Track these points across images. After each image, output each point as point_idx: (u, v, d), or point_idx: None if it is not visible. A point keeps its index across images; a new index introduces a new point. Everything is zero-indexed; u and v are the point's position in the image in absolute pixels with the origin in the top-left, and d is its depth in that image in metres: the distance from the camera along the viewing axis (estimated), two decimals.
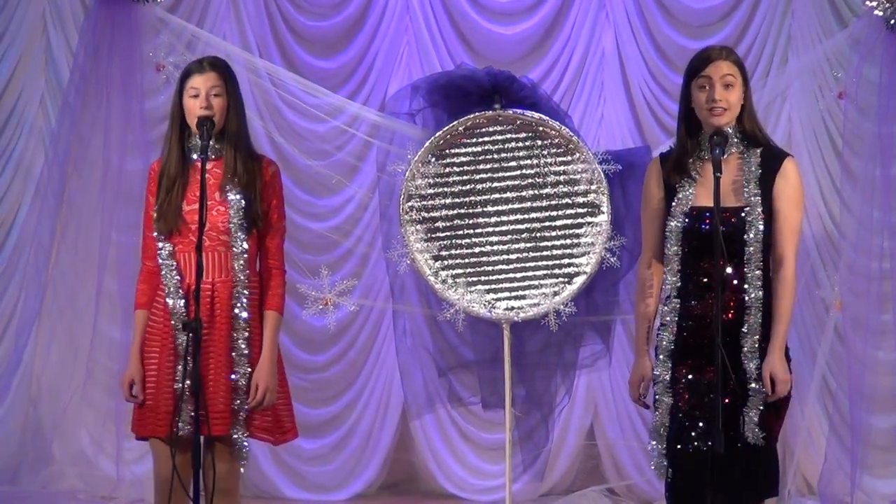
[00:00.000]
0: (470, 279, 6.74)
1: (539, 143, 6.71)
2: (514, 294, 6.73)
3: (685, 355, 4.78)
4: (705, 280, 4.75)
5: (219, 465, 4.96)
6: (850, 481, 7.09)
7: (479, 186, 6.73)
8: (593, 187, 6.69)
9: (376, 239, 7.45)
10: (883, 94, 7.08)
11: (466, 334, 6.93)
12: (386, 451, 7.92)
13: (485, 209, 6.73)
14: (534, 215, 6.70)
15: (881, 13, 6.99)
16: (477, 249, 6.73)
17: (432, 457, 7.92)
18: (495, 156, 6.73)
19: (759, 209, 4.72)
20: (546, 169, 6.70)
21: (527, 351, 6.89)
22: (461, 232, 6.73)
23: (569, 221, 6.70)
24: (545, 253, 6.71)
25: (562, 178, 6.71)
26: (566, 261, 6.71)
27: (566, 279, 6.69)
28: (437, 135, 6.70)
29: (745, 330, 4.73)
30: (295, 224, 7.78)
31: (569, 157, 6.70)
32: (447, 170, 6.71)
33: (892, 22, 6.99)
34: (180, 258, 5.00)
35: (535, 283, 6.72)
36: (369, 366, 7.90)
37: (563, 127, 6.70)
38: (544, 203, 6.70)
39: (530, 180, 6.70)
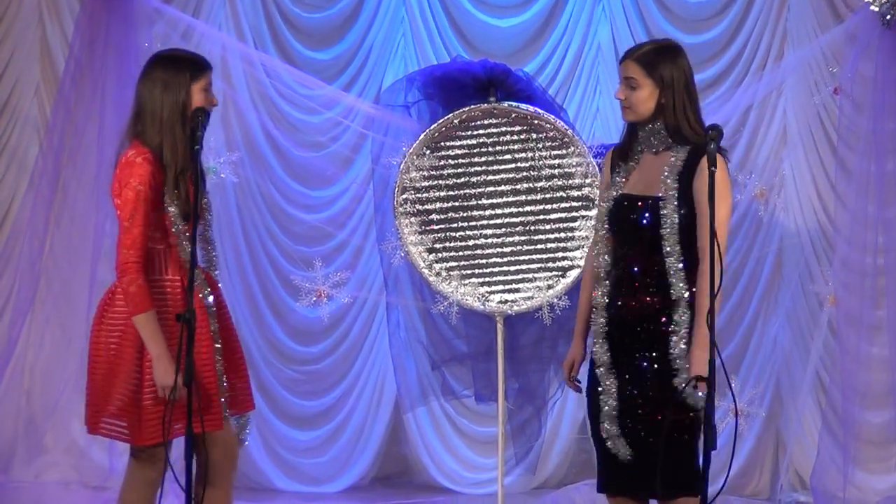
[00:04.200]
0: (464, 272, 6.74)
1: (534, 136, 6.71)
2: (508, 287, 6.74)
3: (620, 338, 4.82)
4: (636, 269, 4.79)
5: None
6: (843, 476, 7.10)
7: (473, 179, 6.73)
8: (588, 181, 6.69)
9: (370, 231, 7.45)
10: (878, 90, 7.08)
11: (460, 327, 6.94)
12: (379, 443, 7.93)
13: (479, 202, 6.73)
14: (528, 209, 6.71)
15: (877, 9, 7.00)
16: (471, 242, 6.73)
17: (425, 449, 7.92)
18: (490, 149, 6.73)
19: (675, 202, 4.72)
20: (541, 162, 6.71)
21: (520, 344, 6.89)
22: (455, 225, 6.73)
23: (563, 215, 6.71)
24: (539, 246, 6.71)
25: (557, 171, 6.71)
26: (560, 254, 6.71)
27: (560, 273, 6.69)
28: (432, 127, 6.70)
29: (673, 326, 4.73)
30: (289, 215, 7.78)
31: (564, 151, 6.70)
32: (442, 162, 6.71)
33: (888, 17, 6.99)
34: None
35: (529, 276, 6.72)
36: (362, 358, 7.90)
37: (559, 120, 6.70)
38: (539, 196, 6.70)
39: (525, 173, 6.71)
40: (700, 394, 4.60)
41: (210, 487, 5.03)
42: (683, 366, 4.71)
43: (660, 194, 4.79)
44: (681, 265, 4.73)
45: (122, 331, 4.95)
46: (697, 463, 4.74)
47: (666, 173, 4.79)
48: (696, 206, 4.75)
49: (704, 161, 4.66)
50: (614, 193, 4.90)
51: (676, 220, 4.74)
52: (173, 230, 4.95)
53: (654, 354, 4.77)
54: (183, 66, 5.00)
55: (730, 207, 4.85)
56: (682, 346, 4.71)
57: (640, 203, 4.82)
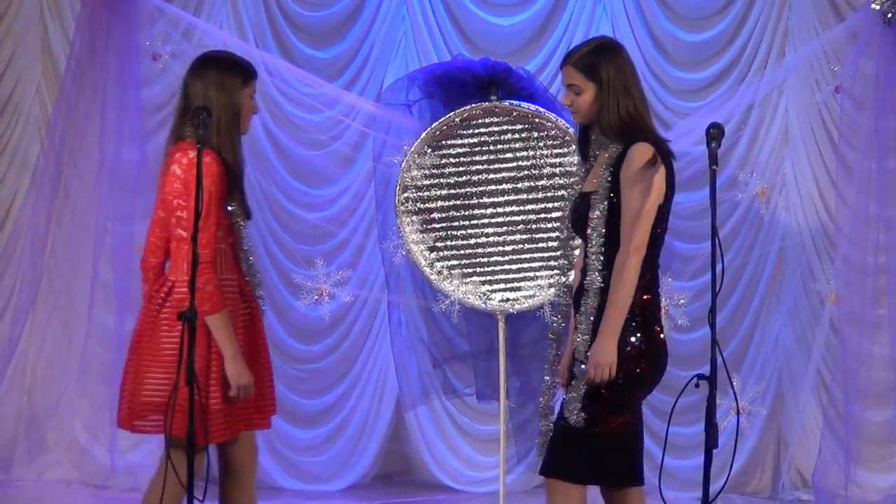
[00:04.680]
0: (465, 270, 6.74)
1: (535, 134, 6.71)
2: (509, 286, 6.74)
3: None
4: (586, 261, 4.80)
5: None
6: (844, 475, 7.10)
7: (475, 178, 6.73)
8: None
9: (372, 229, 7.45)
10: (879, 88, 7.08)
11: (461, 326, 6.94)
12: (380, 441, 7.93)
13: (481, 200, 6.73)
14: (530, 207, 6.71)
15: (878, 7, 6.99)
16: (472, 241, 6.73)
17: (426, 448, 7.92)
18: (491, 147, 6.73)
19: (604, 193, 4.70)
20: (542, 160, 6.71)
21: (522, 343, 6.89)
22: (457, 223, 6.73)
23: (565, 213, 6.70)
24: (541, 245, 6.71)
25: (558, 169, 6.71)
26: (561, 252, 6.71)
27: (561, 271, 6.69)
28: (434, 126, 6.70)
29: (581, 311, 4.74)
30: (290, 214, 7.78)
31: (565, 149, 6.70)
32: (443, 161, 6.71)
33: (889, 16, 6.99)
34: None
35: (531, 274, 6.72)
36: (364, 356, 7.90)
37: (560, 119, 6.69)
38: (540, 195, 6.70)
39: (526, 172, 6.71)
40: (583, 367, 4.63)
41: (235, 480, 5.10)
42: (582, 354, 4.70)
43: (593, 189, 4.79)
44: (601, 255, 4.71)
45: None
46: (580, 451, 4.72)
47: (603, 168, 4.77)
48: (621, 196, 4.71)
49: (630, 152, 4.66)
50: (575, 194, 4.93)
51: (604, 211, 4.71)
52: (234, 228, 5.05)
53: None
54: (236, 69, 5.05)
55: (653, 196, 4.68)
56: (585, 337, 4.69)
57: (585, 199, 4.82)
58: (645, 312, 4.72)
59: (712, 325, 4.46)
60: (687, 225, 7.41)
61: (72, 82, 7.34)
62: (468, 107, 6.70)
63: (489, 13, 7.85)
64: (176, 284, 4.96)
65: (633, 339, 4.69)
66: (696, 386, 4.80)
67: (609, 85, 4.76)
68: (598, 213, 4.73)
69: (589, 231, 4.75)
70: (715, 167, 4.52)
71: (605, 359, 4.62)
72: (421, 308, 6.97)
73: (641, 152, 4.67)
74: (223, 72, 5.01)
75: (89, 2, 7.29)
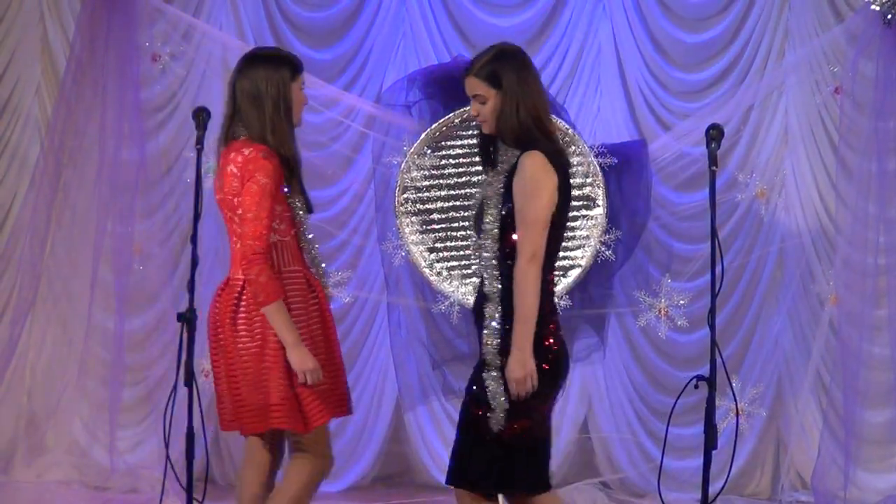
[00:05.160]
0: (465, 271, 6.75)
1: None
2: None
3: None
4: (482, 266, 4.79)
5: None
6: (844, 476, 7.10)
7: (474, 178, 6.73)
8: (589, 180, 6.70)
9: (371, 230, 7.45)
10: (879, 89, 7.08)
11: (461, 327, 6.94)
12: (380, 442, 7.92)
13: None
14: None
15: (878, 8, 7.00)
16: (471, 242, 6.73)
17: (426, 449, 7.92)
18: None
19: (497, 200, 4.69)
20: None
21: None
22: (456, 224, 6.74)
23: None
24: None
25: None
26: (561, 253, 6.71)
27: (561, 272, 6.69)
28: (433, 127, 6.71)
29: (485, 317, 4.72)
30: None
31: None
32: (443, 162, 6.72)
33: (889, 17, 6.99)
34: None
35: None
36: (363, 357, 7.90)
37: (559, 120, 6.70)
38: None
39: None
40: (493, 373, 4.61)
41: (301, 453, 5.18)
42: (494, 362, 4.68)
43: (491, 196, 4.77)
44: (495, 261, 4.70)
45: (262, 324, 4.99)
46: (484, 459, 4.71)
47: (499, 175, 4.74)
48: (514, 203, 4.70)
49: (521, 160, 4.63)
50: (478, 201, 4.89)
51: (497, 217, 4.69)
52: (296, 220, 5.07)
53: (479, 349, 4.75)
54: (283, 64, 5.06)
55: (545, 204, 4.66)
56: (494, 342, 4.67)
57: (482, 206, 4.80)
58: (547, 321, 4.70)
59: (712, 326, 4.47)
60: (686, 226, 7.42)
61: (71, 83, 7.35)
62: (468, 107, 6.70)
63: (489, 14, 7.85)
64: (230, 281, 5.07)
65: (537, 350, 4.66)
66: (696, 387, 4.80)
67: (509, 91, 4.72)
68: (489, 219, 4.71)
69: (482, 237, 4.74)
70: (714, 168, 4.53)
71: (519, 373, 4.60)
72: (420, 309, 6.97)
73: (531, 161, 4.64)
74: (271, 67, 5.02)
75: (89, 2, 7.29)
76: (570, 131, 6.67)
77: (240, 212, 4.92)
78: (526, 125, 4.70)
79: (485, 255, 4.71)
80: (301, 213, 5.10)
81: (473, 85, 4.79)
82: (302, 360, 4.94)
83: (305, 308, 5.06)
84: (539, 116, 4.72)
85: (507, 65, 4.76)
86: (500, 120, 4.73)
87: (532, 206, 4.60)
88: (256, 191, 4.86)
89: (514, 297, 4.62)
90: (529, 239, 4.60)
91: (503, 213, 4.69)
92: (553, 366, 4.72)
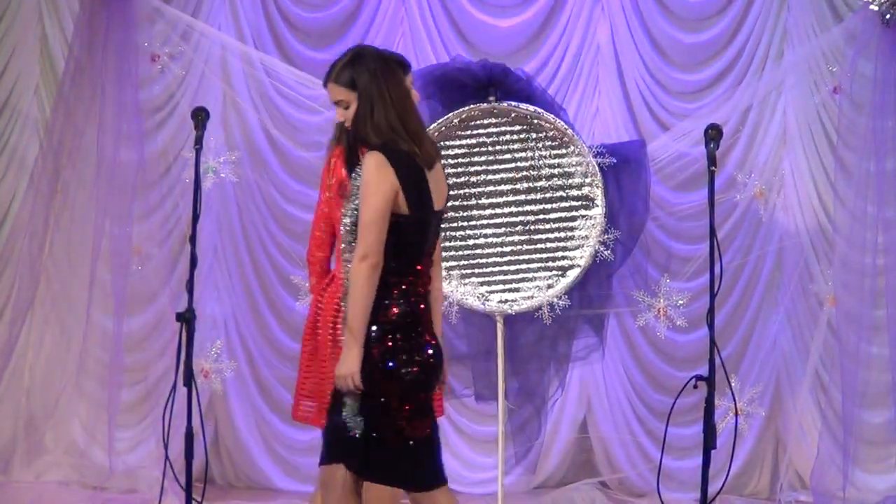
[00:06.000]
0: (464, 272, 6.74)
1: (534, 135, 6.71)
2: (507, 287, 6.74)
3: None
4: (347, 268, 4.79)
5: None
6: (843, 476, 7.10)
7: (473, 179, 6.73)
8: (588, 180, 6.69)
9: None
10: (877, 89, 7.08)
11: (460, 327, 6.94)
12: None
13: (479, 201, 6.73)
14: (528, 208, 6.71)
15: (876, 8, 7.00)
16: (471, 242, 6.73)
17: None
18: (490, 148, 6.74)
19: (353, 201, 4.70)
20: (541, 162, 6.71)
21: (520, 344, 6.90)
22: (455, 224, 6.73)
23: (563, 214, 6.71)
24: (539, 246, 6.71)
25: (556, 170, 6.71)
26: (560, 254, 6.71)
27: (560, 272, 6.69)
28: (432, 127, 6.70)
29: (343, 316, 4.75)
30: (288, 215, 7.77)
31: (563, 150, 6.70)
32: (442, 162, 6.71)
33: (888, 17, 6.99)
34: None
35: (529, 275, 6.72)
36: None
37: (558, 120, 6.70)
38: (539, 196, 6.71)
39: (525, 173, 6.71)
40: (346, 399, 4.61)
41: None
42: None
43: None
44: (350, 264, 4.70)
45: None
46: (374, 456, 4.67)
47: (357, 176, 4.74)
48: None
49: (364, 158, 4.64)
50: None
51: (352, 217, 4.70)
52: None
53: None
54: (392, 64, 5.04)
55: (378, 205, 4.59)
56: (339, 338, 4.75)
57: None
58: (400, 321, 4.64)
59: (710, 326, 4.47)
60: (685, 226, 7.42)
61: (70, 83, 7.34)
62: (467, 108, 6.71)
63: (488, 14, 7.85)
64: (335, 277, 5.12)
65: (380, 349, 4.62)
66: (695, 387, 4.80)
67: (363, 93, 4.74)
68: (346, 220, 4.74)
69: (345, 238, 4.75)
70: (713, 168, 4.54)
71: (344, 370, 4.59)
72: None
73: (366, 162, 4.64)
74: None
75: (88, 3, 7.29)
76: (569, 131, 6.67)
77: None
78: (384, 125, 4.69)
79: (345, 256, 4.73)
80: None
81: (335, 91, 4.84)
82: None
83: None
84: (401, 116, 4.72)
85: (360, 67, 4.78)
86: (357, 122, 4.74)
87: (364, 206, 4.60)
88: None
89: (348, 297, 4.63)
90: (361, 238, 4.59)
91: (355, 210, 4.70)
92: (422, 367, 4.66)
